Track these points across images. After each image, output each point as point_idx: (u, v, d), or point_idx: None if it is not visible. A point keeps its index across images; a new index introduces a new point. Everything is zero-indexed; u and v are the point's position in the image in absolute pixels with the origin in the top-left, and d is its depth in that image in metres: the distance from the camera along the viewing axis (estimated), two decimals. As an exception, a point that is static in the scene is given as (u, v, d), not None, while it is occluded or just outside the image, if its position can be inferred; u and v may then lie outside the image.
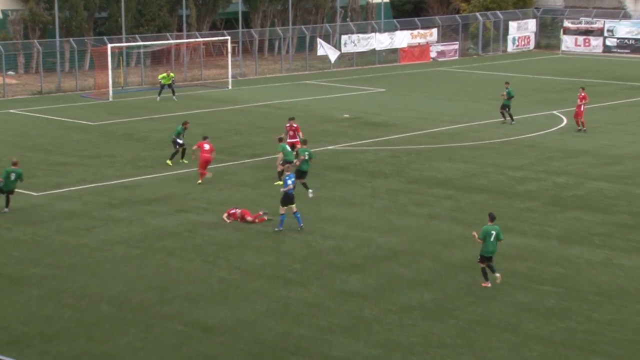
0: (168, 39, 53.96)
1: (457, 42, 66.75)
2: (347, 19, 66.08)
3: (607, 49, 68.51)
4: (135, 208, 27.08)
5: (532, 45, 71.17)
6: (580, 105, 38.96)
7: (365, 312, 19.48)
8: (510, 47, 69.53)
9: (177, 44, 54.57)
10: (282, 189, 24.91)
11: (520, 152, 34.96)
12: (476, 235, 21.06)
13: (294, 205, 24.85)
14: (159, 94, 45.89)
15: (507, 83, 41.57)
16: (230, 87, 51.31)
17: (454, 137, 37.84)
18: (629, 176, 31.19)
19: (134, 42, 52.44)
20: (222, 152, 34.44)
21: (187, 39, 55.58)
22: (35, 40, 51.74)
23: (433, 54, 64.87)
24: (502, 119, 40.44)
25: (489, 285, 20.91)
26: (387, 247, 23.80)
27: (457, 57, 65.81)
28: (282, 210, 24.81)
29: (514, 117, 40.53)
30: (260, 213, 25.99)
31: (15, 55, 52.60)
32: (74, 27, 53.73)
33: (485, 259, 20.90)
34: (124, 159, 33.34)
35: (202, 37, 55.31)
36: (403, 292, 20.65)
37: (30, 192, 28.58)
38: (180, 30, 57.70)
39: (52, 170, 31.61)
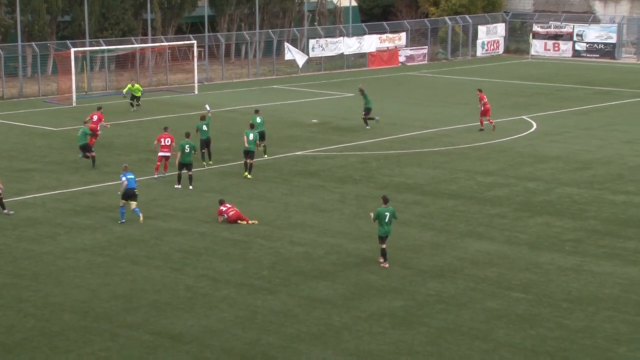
0: (133, 43, 53.71)
1: (426, 47, 67.13)
2: (315, 23, 66.21)
3: (576, 53, 69.24)
4: (100, 215, 26.89)
5: (501, 49, 71.75)
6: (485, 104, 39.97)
7: (335, 319, 19.48)
8: (479, 52, 70.04)
9: (142, 49, 54.33)
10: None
11: (490, 157, 35.20)
12: (372, 216, 22.75)
13: (134, 202, 26.08)
14: (133, 104, 44.55)
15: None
16: (196, 92, 51.17)
17: (424, 142, 38.03)
18: (599, 182, 31.52)
19: (97, 46, 52.13)
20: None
21: (152, 43, 55.36)
22: (-4, 44, 51.29)
23: (402, 59, 65.17)
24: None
25: (387, 265, 22.62)
26: (356, 253, 23.83)
27: (426, 62, 66.17)
28: (121, 203, 26.19)
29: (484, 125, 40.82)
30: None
31: (-24, 59, 52.06)
32: (37, 31, 53.31)
33: (383, 239, 22.70)
34: (88, 164, 33.08)
35: (167, 42, 55.13)
36: (373, 299, 20.68)
37: (-9, 200, 28.23)
38: (145, 34, 57.45)
39: (14, 176, 31.30)
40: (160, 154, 31.06)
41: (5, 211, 26.75)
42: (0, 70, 49.80)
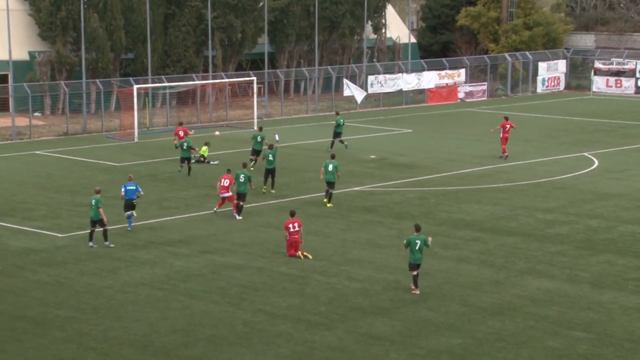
0: (194, 80, 54.54)
1: (486, 83, 66.90)
2: (374, 60, 66.50)
3: (639, 90, 68.29)
4: (159, 249, 27.21)
5: (562, 86, 71.13)
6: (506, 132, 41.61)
7: (392, 356, 19.35)
8: (539, 88, 69.54)
9: (203, 85, 55.13)
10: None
11: (550, 194, 34.81)
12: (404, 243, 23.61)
13: (133, 211, 28.86)
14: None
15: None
16: (255, 127, 51.65)
17: (483, 178, 37.78)
18: (663, 219, 30.93)
19: (159, 82, 53.03)
20: (247, 193, 34.58)
21: (213, 79, 56.16)
22: (62, 82, 52.47)
23: (461, 95, 65.02)
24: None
25: (418, 292, 23.15)
26: (414, 290, 23.69)
27: (485, 98, 65.91)
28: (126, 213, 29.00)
29: (541, 159, 40.57)
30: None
31: (42, 96, 53.31)
32: (100, 69, 54.45)
33: (414, 266, 23.29)
34: (149, 199, 33.56)
35: (227, 78, 55.85)
36: (431, 336, 20.52)
37: (55, 234, 28.83)
38: (206, 71, 58.33)
39: (77, 211, 31.89)
40: (221, 195, 31.11)
41: (107, 243, 27.19)
42: (65, 106, 50.99)
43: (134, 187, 28.72)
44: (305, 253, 26.33)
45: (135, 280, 24.39)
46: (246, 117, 54.52)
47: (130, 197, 28.47)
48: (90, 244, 27.23)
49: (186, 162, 38.03)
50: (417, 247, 23.28)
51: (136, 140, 46.65)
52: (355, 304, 22.63)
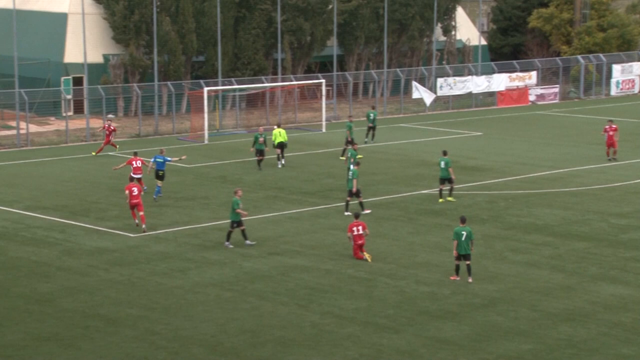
0: (263, 82, 54.95)
1: (558, 86, 65.92)
2: (443, 62, 66.09)
3: None
4: (229, 250, 27.47)
5: (637, 88, 69.69)
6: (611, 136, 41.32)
7: (461, 361, 19.22)
8: (613, 91, 68.23)
9: (272, 88, 55.50)
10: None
11: (624, 199, 34.14)
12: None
13: (160, 182, 33.26)
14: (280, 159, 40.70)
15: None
16: (324, 129, 51.83)
17: (554, 182, 37.25)
18: None
19: (229, 85, 53.57)
20: (315, 195, 34.74)
21: (282, 82, 56.50)
22: (135, 84, 53.38)
23: (532, 97, 64.18)
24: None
25: (458, 278, 24.26)
26: (483, 294, 23.49)
27: (557, 101, 64.95)
28: (158, 183, 33.30)
29: (615, 163, 39.86)
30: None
31: (115, 98, 54.32)
32: (172, 71, 55.24)
33: (461, 256, 24.33)
34: (218, 201, 33.91)
35: (296, 80, 56.13)
36: (500, 342, 20.31)
37: (127, 234, 29.33)
38: (275, 73, 58.68)
39: (147, 212, 32.29)
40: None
41: (248, 242, 27.62)
42: (138, 108, 51.85)
43: (162, 160, 33.44)
44: (367, 255, 26.29)
45: (204, 280, 24.67)
46: (314, 119, 54.70)
47: (159, 169, 33.15)
48: (227, 243, 27.61)
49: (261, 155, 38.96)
50: (462, 239, 24.17)
51: (206, 142, 47.17)
52: (423, 307, 22.53)
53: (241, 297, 23.33)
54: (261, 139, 39.45)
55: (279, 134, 40.81)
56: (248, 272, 25.34)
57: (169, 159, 33.98)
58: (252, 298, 23.23)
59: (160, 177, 33.71)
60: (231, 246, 27.50)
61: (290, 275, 25.03)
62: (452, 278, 24.48)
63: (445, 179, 33.58)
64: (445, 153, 34.30)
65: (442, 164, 33.60)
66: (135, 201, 29.31)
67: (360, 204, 31.55)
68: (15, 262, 26.27)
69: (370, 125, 46.58)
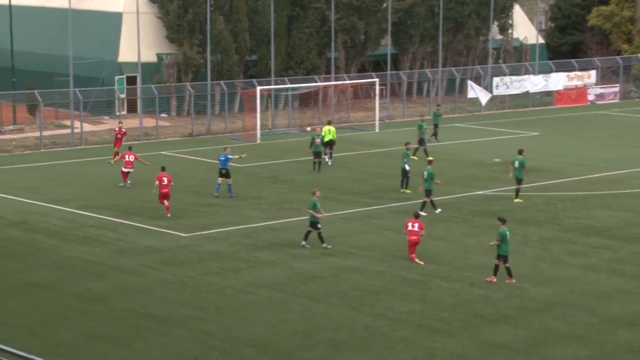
0: (316, 82, 55.01)
1: (618, 85, 64.89)
2: (500, 61, 65.48)
3: None
4: (281, 251, 27.55)
5: (700, 87, 68.25)
6: None
7: (516, 366, 19.01)
8: (676, 90, 66.95)
9: (325, 87, 55.53)
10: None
11: (686, 201, 33.48)
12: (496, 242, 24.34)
13: (229, 179, 34.24)
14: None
15: None
16: (377, 129, 51.71)
17: (614, 184, 36.66)
18: None
19: (282, 84, 53.75)
20: (367, 196, 34.69)
21: (335, 81, 56.51)
22: (187, 83, 53.81)
23: (591, 97, 63.26)
24: None
25: (494, 280, 24.23)
26: (539, 298, 23.21)
27: (617, 100, 63.93)
28: (219, 180, 34.34)
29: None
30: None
31: (168, 97, 54.86)
32: (225, 70, 55.60)
33: (503, 257, 24.30)
34: (270, 201, 34.04)
35: (350, 80, 56.09)
36: (557, 346, 20.05)
37: (179, 233, 29.59)
38: (328, 72, 58.74)
39: (200, 211, 32.63)
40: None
41: (324, 245, 27.55)
42: (190, 108, 52.30)
43: (224, 158, 34.36)
44: (418, 260, 26.16)
45: (256, 280, 24.77)
46: (367, 119, 54.59)
47: (222, 167, 34.19)
48: (303, 243, 27.70)
49: (319, 156, 38.87)
50: (507, 239, 24.24)
51: (258, 141, 47.38)
52: (478, 310, 22.34)
53: (292, 298, 23.37)
54: (317, 140, 39.53)
55: (329, 132, 40.94)
56: (300, 273, 25.38)
57: (229, 156, 34.64)
58: (304, 299, 23.25)
59: (223, 175, 34.43)
60: (307, 246, 27.50)
61: (342, 277, 25.00)
62: (487, 280, 24.48)
63: (520, 179, 33.35)
64: (520, 152, 33.99)
65: (517, 164, 33.40)
66: (165, 190, 31.67)
67: (424, 203, 31.65)
68: (69, 261, 26.66)
69: (435, 124, 46.80)
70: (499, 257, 24.43)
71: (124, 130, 41.89)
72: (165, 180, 31.83)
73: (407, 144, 36.35)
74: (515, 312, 22.26)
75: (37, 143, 46.32)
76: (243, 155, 36.74)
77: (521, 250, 27.29)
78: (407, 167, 34.76)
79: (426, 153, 39.87)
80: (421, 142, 41.99)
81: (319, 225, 27.64)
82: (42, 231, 29.85)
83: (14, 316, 22.07)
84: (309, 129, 41.75)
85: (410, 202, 33.39)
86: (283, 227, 30.41)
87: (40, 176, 38.93)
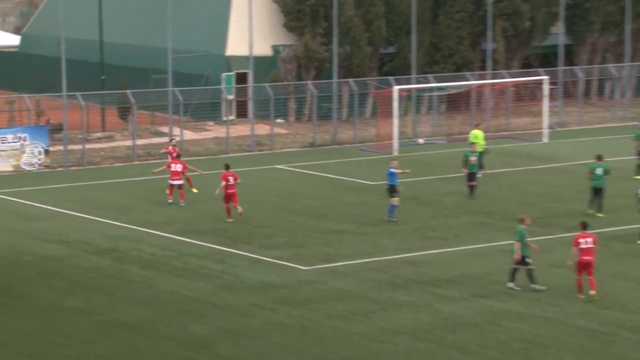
0: (468, 79, 54.58)
1: None
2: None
3: None
4: (423, 290, 27.41)
5: None
6: None
7: None
8: None
9: (480, 86, 55.09)
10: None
11: None
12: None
13: (395, 198, 34.56)
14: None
15: None
16: (545, 139, 50.94)
17: None
18: None
19: (425, 83, 53.57)
20: (535, 223, 33.96)
21: (492, 79, 56.00)
22: (309, 82, 53.92)
23: None
24: None
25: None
26: None
27: None
28: (393, 201, 34.71)
29: None
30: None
31: (286, 99, 55.16)
32: (355, 66, 55.70)
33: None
34: (410, 227, 33.91)
35: (511, 77, 55.51)
36: None
37: (299, 266, 29.81)
38: (483, 68, 58.26)
39: (323, 239, 32.78)
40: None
41: (534, 286, 27.28)
42: (312, 112, 52.46)
43: (392, 172, 34.83)
44: (593, 292, 26.01)
45: (392, 327, 24.68)
46: (533, 126, 53.86)
47: (391, 183, 34.73)
48: (511, 284, 27.43)
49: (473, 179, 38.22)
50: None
51: (395, 153, 47.34)
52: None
53: (439, 349, 23.19)
54: (473, 158, 38.24)
55: (476, 137, 40.66)
56: (447, 318, 25.17)
57: (395, 171, 35.29)
58: (453, 351, 23.04)
59: (396, 192, 34.85)
60: (517, 288, 27.15)
61: (501, 324, 24.69)
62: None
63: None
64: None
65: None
66: (231, 191, 33.83)
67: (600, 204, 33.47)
68: (165, 297, 27.19)
69: None
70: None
71: (177, 150, 41.06)
72: (231, 179, 34.02)
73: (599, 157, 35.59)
74: None
75: (129, 154, 47.61)
76: (407, 171, 36.66)
77: None
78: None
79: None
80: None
81: (529, 260, 27.28)
82: (134, 261, 30.58)
83: (99, 362, 22.63)
84: (421, 141, 41.34)
85: (598, 231, 32.66)
86: (425, 260, 30.26)
87: (133, 194, 39.96)
